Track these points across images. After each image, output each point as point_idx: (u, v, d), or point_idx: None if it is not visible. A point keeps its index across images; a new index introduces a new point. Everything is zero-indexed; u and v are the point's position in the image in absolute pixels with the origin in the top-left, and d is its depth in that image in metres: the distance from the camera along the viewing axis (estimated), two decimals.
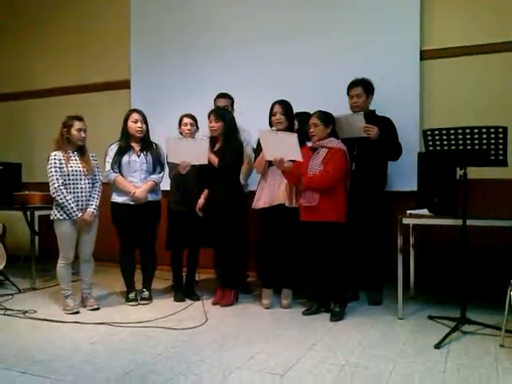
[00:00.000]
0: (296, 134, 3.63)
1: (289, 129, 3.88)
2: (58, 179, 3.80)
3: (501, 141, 3.06)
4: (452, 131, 3.15)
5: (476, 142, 3.10)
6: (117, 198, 4.10)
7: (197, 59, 5.30)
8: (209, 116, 4.08)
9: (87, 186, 3.92)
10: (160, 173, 4.20)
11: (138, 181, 4.09)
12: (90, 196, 3.93)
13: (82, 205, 3.88)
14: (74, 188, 3.85)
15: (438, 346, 3.05)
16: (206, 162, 3.95)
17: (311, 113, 3.84)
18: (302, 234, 3.78)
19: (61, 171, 3.81)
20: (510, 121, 3.36)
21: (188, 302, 4.19)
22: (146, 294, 4.24)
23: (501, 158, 3.10)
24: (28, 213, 4.69)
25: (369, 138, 3.84)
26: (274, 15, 4.95)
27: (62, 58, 6.17)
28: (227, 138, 4.05)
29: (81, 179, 3.88)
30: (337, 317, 3.66)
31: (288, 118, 3.91)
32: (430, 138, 3.25)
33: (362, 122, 3.83)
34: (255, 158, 4.07)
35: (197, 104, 4.50)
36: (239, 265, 4.21)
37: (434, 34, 4.45)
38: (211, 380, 2.62)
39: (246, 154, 4.32)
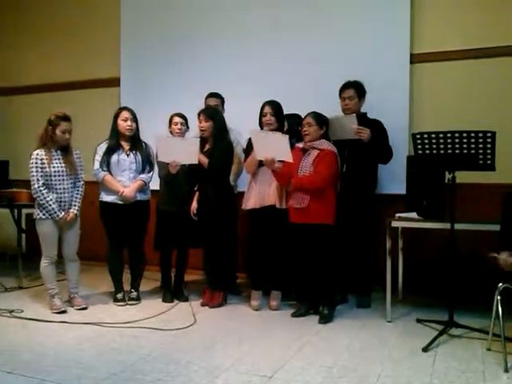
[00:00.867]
0: (287, 135, 3.63)
1: (279, 130, 3.87)
2: (38, 180, 3.77)
3: (489, 145, 3.09)
4: (441, 135, 3.17)
5: (464, 146, 3.13)
6: (105, 197, 4.08)
7: (187, 58, 5.28)
8: (198, 116, 4.06)
9: (70, 186, 3.89)
10: (149, 172, 4.18)
11: (126, 180, 4.06)
12: (72, 196, 3.91)
13: (64, 205, 3.86)
14: (56, 188, 3.83)
15: (425, 349, 3.07)
16: (196, 162, 3.93)
17: (301, 115, 3.85)
18: (291, 236, 3.78)
19: (42, 171, 3.78)
20: (498, 125, 3.41)
21: (176, 302, 4.17)
22: (134, 294, 4.22)
23: (489, 162, 3.13)
24: (15, 210, 4.64)
25: (360, 141, 3.85)
26: (265, 15, 4.93)
27: (51, 54, 6.11)
28: (217, 138, 4.03)
29: (63, 179, 3.85)
30: (325, 319, 3.67)
31: (278, 119, 3.91)
32: (419, 141, 3.27)
33: (355, 123, 3.83)
34: (245, 158, 4.06)
35: (187, 103, 4.48)
36: (228, 266, 4.20)
37: (425, 38, 4.47)
38: (199, 381, 2.61)
39: (236, 154, 4.31)
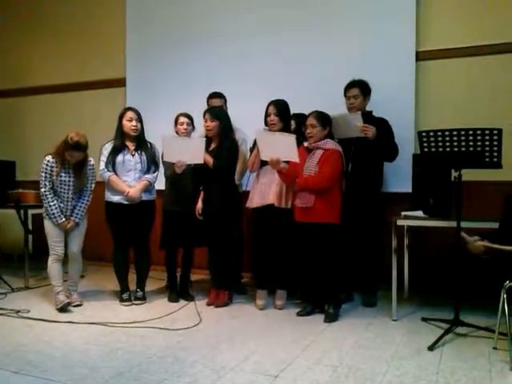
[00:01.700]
0: (294, 136, 3.63)
1: (284, 129, 3.87)
2: (46, 185, 3.88)
3: (495, 143, 3.06)
4: (447, 133, 3.16)
5: (471, 143, 3.11)
6: (111, 198, 4.09)
7: (193, 58, 5.28)
8: (204, 115, 4.06)
9: (74, 196, 3.97)
10: (154, 172, 4.19)
11: (132, 180, 4.07)
12: (76, 204, 3.96)
13: (66, 211, 3.95)
14: (60, 196, 3.93)
15: (431, 348, 3.06)
16: (201, 162, 3.93)
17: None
18: (296, 235, 3.78)
19: (51, 178, 3.87)
20: (504, 123, 3.39)
21: (182, 302, 4.18)
22: (139, 293, 4.23)
23: (495, 159, 3.10)
24: (22, 211, 4.66)
25: (365, 139, 3.84)
26: (270, 14, 4.94)
27: (56, 54, 6.14)
28: (222, 137, 4.03)
29: (69, 189, 3.93)
30: (331, 318, 3.66)
31: (282, 118, 3.91)
32: (424, 139, 3.25)
33: (360, 121, 3.82)
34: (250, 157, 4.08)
35: (193, 102, 4.50)
36: (233, 265, 4.20)
37: (430, 36, 4.45)
38: (205, 381, 2.61)
39: (241, 153, 4.31)
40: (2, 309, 3.90)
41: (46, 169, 3.87)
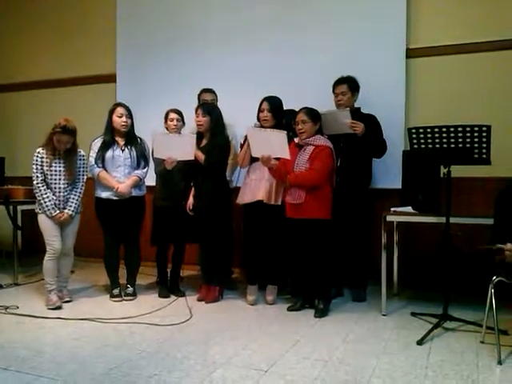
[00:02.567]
0: (285, 132, 3.63)
1: (276, 126, 3.86)
2: (38, 176, 3.86)
3: (484, 139, 3.09)
4: (436, 129, 3.18)
5: (460, 140, 3.13)
6: (100, 193, 4.08)
7: (183, 54, 5.27)
8: (196, 111, 4.06)
9: (66, 186, 3.93)
10: (144, 168, 4.17)
11: (121, 176, 4.06)
12: (69, 196, 3.93)
13: (59, 204, 3.90)
14: (52, 188, 3.89)
15: (420, 343, 3.08)
16: (192, 158, 3.92)
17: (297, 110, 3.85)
18: (287, 231, 3.79)
19: (42, 169, 3.85)
20: (494, 120, 3.42)
21: (173, 297, 4.18)
22: (130, 289, 4.22)
23: (484, 156, 3.13)
24: (11, 207, 4.63)
25: (354, 135, 3.86)
26: (260, 10, 4.93)
27: (47, 50, 6.10)
28: (214, 133, 4.03)
29: (60, 179, 3.89)
30: (321, 313, 3.68)
31: (275, 115, 3.91)
32: (414, 135, 3.27)
33: (348, 118, 3.84)
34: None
35: (183, 99, 4.51)
36: (224, 261, 4.21)
37: (421, 33, 4.47)
38: (196, 376, 2.62)
39: (232, 149, 4.31)
40: None
41: (37, 160, 3.85)
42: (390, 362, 2.81)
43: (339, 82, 4.09)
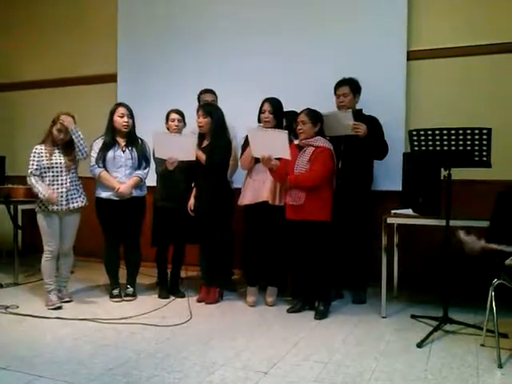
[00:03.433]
0: (286, 132, 3.63)
1: (277, 127, 3.85)
2: (30, 168, 3.85)
3: (485, 142, 3.09)
4: (437, 132, 3.18)
5: (460, 142, 3.13)
6: (101, 194, 4.07)
7: (184, 54, 5.26)
8: (197, 111, 4.05)
9: (69, 180, 3.92)
10: (145, 168, 4.17)
11: (122, 176, 4.06)
12: (73, 190, 3.93)
13: (62, 197, 3.88)
14: (54, 181, 3.88)
15: (420, 345, 3.08)
16: (193, 159, 3.92)
17: (298, 112, 3.85)
18: (287, 233, 3.79)
19: (38, 164, 3.85)
20: (495, 122, 3.41)
21: (172, 298, 4.18)
22: (130, 290, 4.22)
23: (484, 159, 3.13)
24: (11, 206, 4.63)
25: (356, 137, 3.85)
26: (261, 12, 4.92)
27: (47, 50, 6.09)
28: (215, 134, 4.02)
29: (62, 172, 3.89)
30: (321, 315, 3.68)
31: (276, 116, 3.91)
32: (415, 138, 3.27)
33: (351, 119, 3.84)
34: (241, 154, 4.07)
35: (184, 99, 4.50)
36: (224, 262, 4.20)
37: (422, 35, 4.47)
38: (195, 377, 2.62)
39: (233, 150, 4.30)
40: None
41: (34, 156, 3.86)
42: (389, 364, 2.81)
43: (341, 83, 4.09)
